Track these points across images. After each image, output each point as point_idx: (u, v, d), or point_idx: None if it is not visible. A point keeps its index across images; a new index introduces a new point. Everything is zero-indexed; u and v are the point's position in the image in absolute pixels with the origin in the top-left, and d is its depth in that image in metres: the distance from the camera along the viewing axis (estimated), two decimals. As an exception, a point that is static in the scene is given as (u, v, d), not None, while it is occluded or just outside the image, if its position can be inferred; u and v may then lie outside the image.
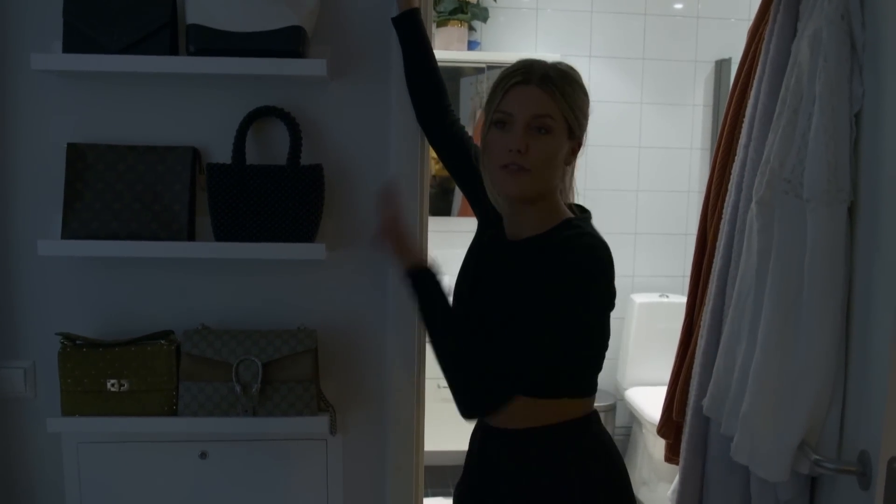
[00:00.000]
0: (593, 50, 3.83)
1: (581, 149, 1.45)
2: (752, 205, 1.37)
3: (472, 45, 3.69)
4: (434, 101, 1.65)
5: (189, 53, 1.60)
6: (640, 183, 3.95)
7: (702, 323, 1.61)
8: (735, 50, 3.81)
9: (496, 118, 1.39)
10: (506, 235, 1.48)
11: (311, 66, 1.61)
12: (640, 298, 3.80)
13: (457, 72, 3.63)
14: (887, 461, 1.06)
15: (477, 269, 1.51)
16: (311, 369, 1.66)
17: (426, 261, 1.48)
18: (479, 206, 1.58)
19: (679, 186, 3.96)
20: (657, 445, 3.36)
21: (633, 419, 3.77)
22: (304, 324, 1.72)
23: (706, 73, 3.90)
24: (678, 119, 3.92)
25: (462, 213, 3.75)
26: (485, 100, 1.46)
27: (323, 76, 1.61)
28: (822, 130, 1.22)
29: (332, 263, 1.72)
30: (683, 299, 3.89)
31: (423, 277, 1.45)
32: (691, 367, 1.65)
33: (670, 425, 1.75)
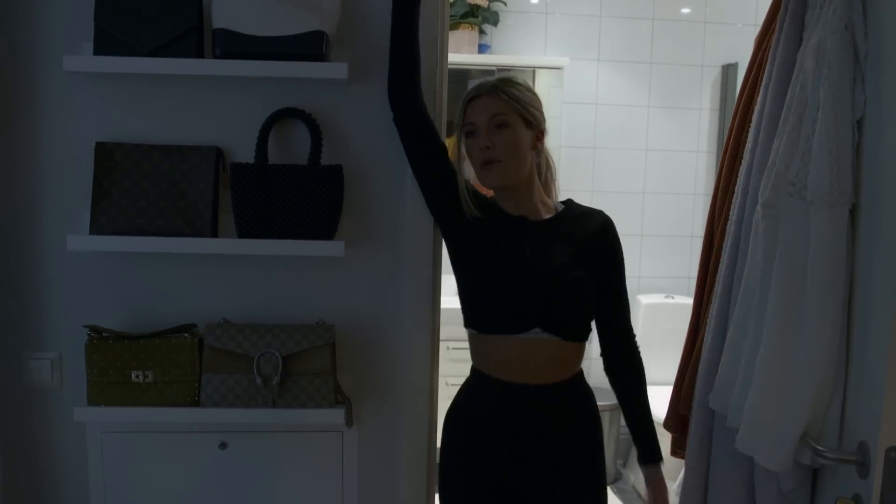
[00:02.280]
0: (601, 54, 3.87)
1: (544, 136, 1.76)
2: (758, 206, 1.42)
3: (482, 49, 3.73)
4: (411, 74, 1.68)
5: (215, 56, 1.65)
6: (646, 185, 3.98)
7: (708, 320, 1.67)
8: (741, 55, 3.87)
9: (465, 130, 1.69)
10: (509, 213, 1.73)
11: (332, 70, 1.66)
12: (645, 299, 3.85)
13: (466, 74, 3.68)
14: (885, 450, 1.11)
15: (529, 243, 1.70)
16: (330, 363, 1.71)
17: None
18: (436, 194, 1.71)
19: (685, 189, 3.99)
20: (663, 444, 3.41)
21: (638, 419, 3.82)
22: (323, 319, 1.78)
23: (713, 77, 3.93)
24: (685, 123, 3.95)
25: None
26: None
27: (344, 79, 1.66)
28: (825, 135, 1.28)
29: (350, 260, 1.78)
30: (689, 300, 3.94)
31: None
32: (697, 364, 1.70)
33: (676, 419, 1.82)
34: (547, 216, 1.75)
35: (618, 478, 3.94)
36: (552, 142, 3.79)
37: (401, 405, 1.85)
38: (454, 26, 3.63)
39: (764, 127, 1.49)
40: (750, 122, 1.60)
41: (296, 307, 1.80)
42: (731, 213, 1.62)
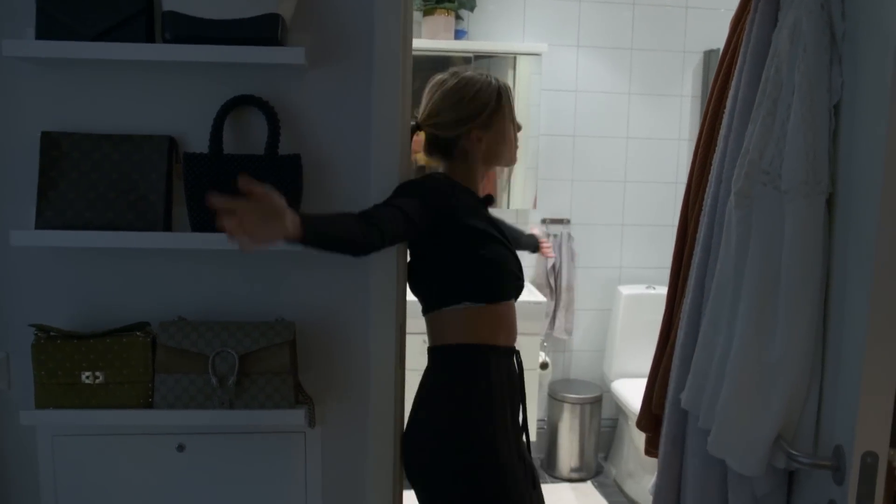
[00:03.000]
0: (581, 39, 3.82)
1: None
2: (731, 196, 1.36)
3: (459, 34, 3.67)
4: (357, 247, 1.50)
5: (165, 41, 1.58)
6: (627, 174, 3.94)
7: (681, 315, 1.61)
8: (724, 41, 3.82)
9: (510, 112, 1.94)
10: (476, 193, 1.91)
11: (289, 55, 1.59)
12: (626, 290, 3.80)
13: (444, 61, 3.61)
14: (861, 455, 1.06)
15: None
16: (289, 361, 1.65)
17: (295, 217, 1.31)
18: (436, 220, 1.72)
19: (667, 178, 3.96)
20: (643, 439, 3.37)
21: (620, 411, 3.78)
22: (282, 316, 1.73)
23: (695, 63, 3.89)
24: (666, 110, 3.91)
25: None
26: (493, 104, 1.88)
27: (302, 64, 1.60)
28: (800, 121, 1.22)
29: (310, 255, 1.69)
30: (670, 291, 3.92)
31: (310, 231, 1.35)
32: (671, 360, 1.64)
33: (649, 419, 1.76)
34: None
35: (599, 471, 3.90)
36: (532, 129, 3.75)
37: (366, 405, 1.79)
38: (430, 11, 3.56)
39: (738, 112, 1.42)
40: (724, 107, 1.53)
41: (254, 304, 1.74)
42: (704, 203, 1.56)
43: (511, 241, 1.89)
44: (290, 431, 1.77)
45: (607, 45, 3.84)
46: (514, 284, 1.88)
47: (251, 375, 1.64)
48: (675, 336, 1.65)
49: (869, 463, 1.07)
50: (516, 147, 1.99)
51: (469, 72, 1.90)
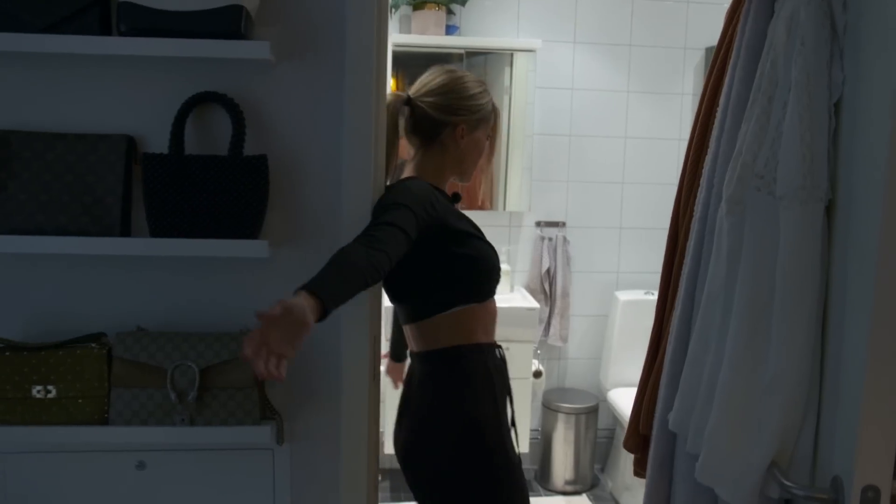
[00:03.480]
0: (578, 36, 3.76)
1: None
2: (722, 202, 1.28)
3: (450, 30, 3.61)
4: (378, 276, 1.49)
5: (120, 33, 1.51)
6: (625, 175, 3.88)
7: (670, 330, 1.53)
8: (724, 36, 3.76)
9: (493, 134, 2.00)
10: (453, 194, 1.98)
11: (253, 49, 1.52)
12: (624, 296, 3.73)
13: (435, 58, 3.53)
14: (861, 489, 0.98)
15: None
16: (253, 375, 1.58)
17: (309, 300, 1.30)
18: (430, 224, 1.73)
19: (667, 179, 3.89)
20: (627, 464, 3.30)
21: (616, 422, 3.71)
22: (248, 326, 1.65)
23: (696, 60, 3.83)
24: (666, 108, 3.86)
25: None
26: (486, 113, 1.95)
27: (267, 59, 1.53)
28: (797, 121, 1.14)
29: (277, 261, 1.65)
30: (670, 297, 3.84)
31: (330, 304, 1.33)
32: (659, 377, 1.56)
33: (637, 439, 1.67)
34: None
35: (594, 484, 3.83)
36: (526, 129, 3.69)
37: (338, 420, 1.72)
38: (419, 6, 3.49)
39: (731, 111, 1.34)
40: (718, 106, 1.45)
41: (217, 314, 1.67)
42: (695, 209, 1.47)
43: None
44: (256, 449, 1.70)
45: (605, 41, 3.78)
46: (498, 279, 1.94)
47: (212, 390, 1.58)
48: (665, 352, 1.56)
49: (870, 497, 0.98)
50: (482, 170, 2.08)
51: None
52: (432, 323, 1.85)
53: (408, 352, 2.03)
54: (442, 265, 1.80)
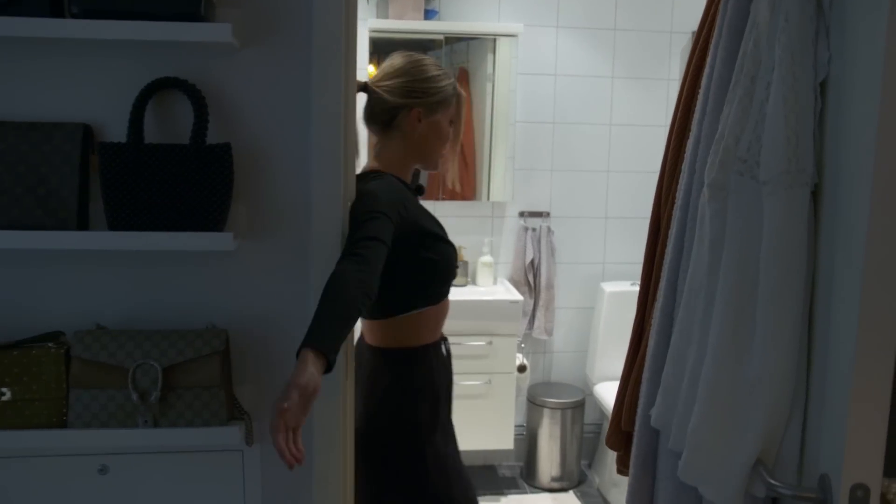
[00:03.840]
0: (561, 20, 3.72)
1: None
2: (704, 188, 1.24)
3: (429, 14, 3.56)
4: (369, 302, 1.57)
5: (72, 16, 1.46)
6: (610, 163, 3.85)
7: (652, 322, 1.49)
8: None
9: (457, 119, 1.98)
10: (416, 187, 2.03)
11: (214, 31, 1.46)
12: (610, 287, 3.70)
13: (413, 44, 3.48)
14: (850, 488, 0.94)
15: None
16: (220, 373, 1.54)
17: (315, 361, 1.36)
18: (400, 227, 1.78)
19: (653, 167, 3.73)
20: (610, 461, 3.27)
21: (603, 416, 3.68)
22: (214, 322, 1.60)
23: (682, 44, 3.79)
24: (652, 94, 3.82)
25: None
26: (446, 96, 1.93)
27: (229, 42, 1.47)
28: (781, 102, 1.10)
29: (243, 254, 1.60)
30: (656, 287, 3.80)
31: (331, 355, 1.39)
32: (641, 372, 1.52)
33: (619, 436, 1.63)
34: None
35: (581, 480, 3.80)
36: (508, 117, 3.64)
37: (310, 419, 1.66)
38: (397, -10, 3.42)
39: (713, 93, 1.30)
40: (700, 88, 1.41)
41: (183, 310, 1.62)
42: (677, 195, 1.43)
43: None
44: (224, 450, 1.65)
45: (589, 26, 3.74)
46: (455, 277, 2.00)
47: (177, 390, 1.53)
48: (647, 345, 1.52)
49: (859, 497, 0.95)
50: (448, 157, 2.00)
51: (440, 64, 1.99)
52: (386, 323, 1.91)
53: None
54: (405, 269, 1.82)
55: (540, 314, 3.74)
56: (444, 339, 2.01)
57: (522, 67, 3.68)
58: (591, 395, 3.70)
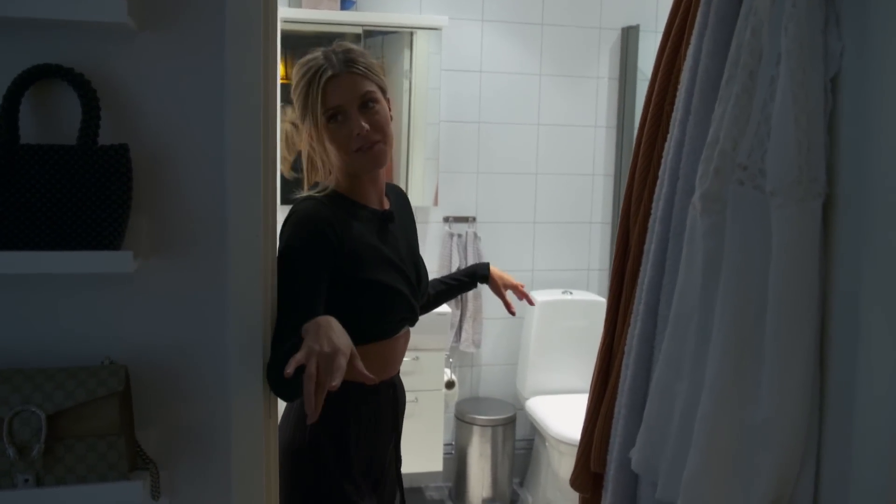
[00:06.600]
0: (486, 13, 3.62)
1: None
2: (695, 199, 1.10)
3: (345, 5, 3.42)
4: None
5: (-71, -12, 1.23)
6: (539, 165, 3.78)
7: (626, 350, 1.35)
8: (644, 16, 3.69)
9: (328, 115, 1.67)
10: (373, 208, 1.79)
11: (105, 9, 1.26)
12: (540, 296, 3.60)
13: (329, 38, 3.30)
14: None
15: (398, 240, 1.83)
16: (118, 418, 1.33)
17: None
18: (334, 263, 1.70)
19: (583, 169, 3.82)
20: (562, 462, 3.17)
21: (535, 431, 3.58)
22: (111, 357, 1.39)
23: (612, 41, 3.75)
24: (581, 93, 3.77)
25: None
26: (298, 105, 1.72)
27: (125, 23, 1.28)
28: (791, 100, 0.97)
29: (146, 276, 1.41)
30: (589, 296, 3.74)
31: None
32: (612, 404, 1.38)
33: (587, 477, 1.48)
34: (384, 200, 1.86)
35: (514, 499, 3.70)
36: (431, 116, 3.51)
37: (228, 466, 1.49)
38: (312, -23, 3.24)
39: (699, 89, 1.17)
40: (675, 85, 1.28)
41: (72, 344, 1.40)
42: (653, 206, 1.30)
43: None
44: (127, 506, 1.45)
45: (515, 20, 3.66)
46: (394, 326, 1.82)
47: (66, 440, 1.32)
48: (618, 374, 1.38)
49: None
50: (353, 149, 1.68)
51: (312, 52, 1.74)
52: None
53: None
54: (336, 302, 1.66)
55: (467, 326, 3.62)
56: (387, 384, 1.83)
57: (446, 63, 3.57)
58: (523, 409, 3.61)
